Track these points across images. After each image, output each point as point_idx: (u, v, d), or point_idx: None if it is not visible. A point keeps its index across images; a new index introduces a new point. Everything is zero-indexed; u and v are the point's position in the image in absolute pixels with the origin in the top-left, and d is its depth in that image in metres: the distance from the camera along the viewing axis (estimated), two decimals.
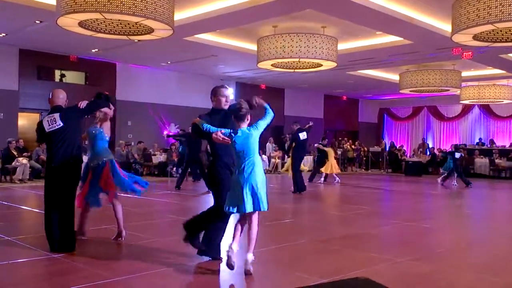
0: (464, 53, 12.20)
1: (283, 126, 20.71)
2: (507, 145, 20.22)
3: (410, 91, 16.02)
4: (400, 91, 16.40)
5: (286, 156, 14.86)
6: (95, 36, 8.93)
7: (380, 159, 21.19)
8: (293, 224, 6.99)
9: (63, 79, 15.31)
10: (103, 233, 5.62)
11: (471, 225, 7.49)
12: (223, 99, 4.38)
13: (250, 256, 3.91)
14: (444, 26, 10.49)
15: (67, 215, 4.63)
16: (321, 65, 11.70)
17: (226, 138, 3.96)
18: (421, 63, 14.74)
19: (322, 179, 13.79)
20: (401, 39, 11.82)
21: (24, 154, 12.65)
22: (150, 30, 8.26)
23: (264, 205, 3.92)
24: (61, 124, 4.67)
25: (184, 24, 10.40)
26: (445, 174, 14.08)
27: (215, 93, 4.42)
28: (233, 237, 3.95)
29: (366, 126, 25.32)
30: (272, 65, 11.95)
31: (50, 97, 4.87)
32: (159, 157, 15.37)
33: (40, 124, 4.81)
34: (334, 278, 3.88)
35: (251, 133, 3.97)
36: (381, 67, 16.09)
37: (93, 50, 13.91)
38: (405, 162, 19.65)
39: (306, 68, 12.26)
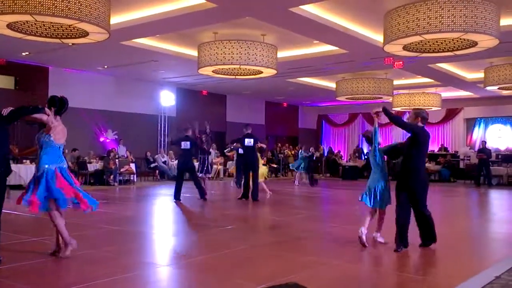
0: (395, 63, 12.83)
1: (225, 132, 20.70)
2: (436, 150, 21.48)
3: (346, 98, 16.61)
4: (337, 99, 16.95)
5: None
6: (25, 39, 8.51)
7: (319, 164, 21.73)
8: (234, 230, 6.98)
9: None
10: (31, 246, 5.33)
11: None
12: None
13: (378, 235, 5.73)
14: (376, 36, 10.98)
15: None
16: (262, 72, 11.84)
17: None
18: (356, 71, 15.32)
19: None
20: (337, 48, 12.23)
21: None
22: (85, 34, 7.98)
23: (377, 204, 5.65)
24: None
25: (122, 28, 10.14)
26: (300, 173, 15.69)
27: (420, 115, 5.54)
28: (364, 223, 5.64)
29: (305, 132, 25.90)
30: (213, 71, 11.92)
31: None
32: (95, 165, 14.77)
33: None
34: (269, 284, 3.91)
35: (371, 152, 5.73)
36: (319, 75, 16.56)
37: (24, 54, 13.20)
38: (342, 167, 20.28)
39: (247, 75, 12.35)
